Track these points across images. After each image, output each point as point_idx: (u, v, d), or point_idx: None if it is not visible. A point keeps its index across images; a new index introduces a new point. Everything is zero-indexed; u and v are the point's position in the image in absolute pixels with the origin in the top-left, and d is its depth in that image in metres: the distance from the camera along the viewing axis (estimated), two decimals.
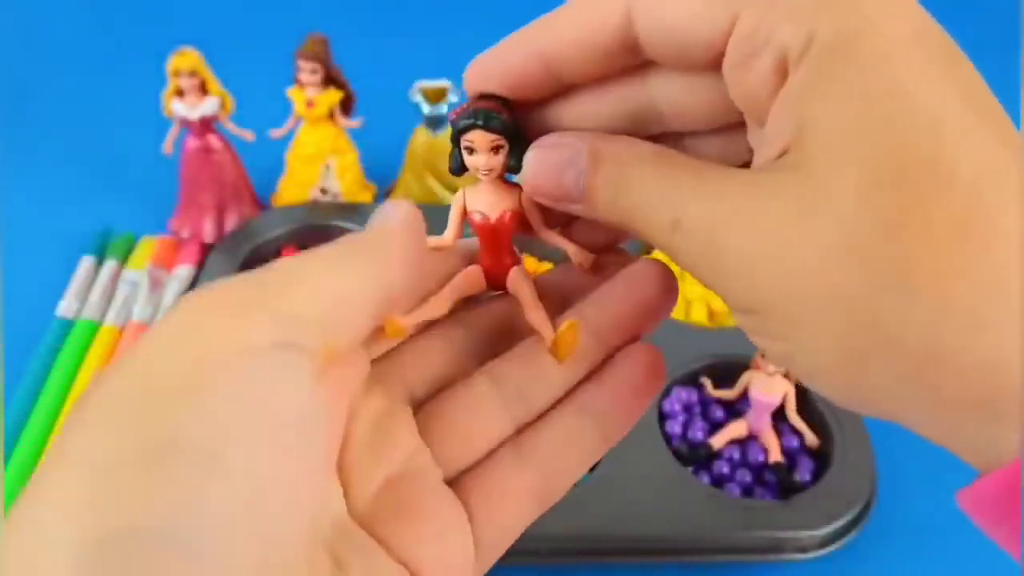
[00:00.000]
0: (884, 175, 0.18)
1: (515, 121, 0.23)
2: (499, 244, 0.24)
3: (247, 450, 0.17)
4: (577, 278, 0.25)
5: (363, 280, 0.20)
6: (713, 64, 0.21)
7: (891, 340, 0.18)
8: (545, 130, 0.23)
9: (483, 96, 0.23)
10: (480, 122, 0.22)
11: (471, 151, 0.23)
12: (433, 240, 0.24)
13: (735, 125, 0.22)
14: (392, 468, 0.22)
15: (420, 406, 0.24)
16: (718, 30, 0.20)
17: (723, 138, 0.23)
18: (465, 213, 0.24)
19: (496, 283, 0.24)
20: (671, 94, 0.22)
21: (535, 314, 0.23)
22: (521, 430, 0.24)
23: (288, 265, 0.20)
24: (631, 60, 0.22)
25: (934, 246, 0.17)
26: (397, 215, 0.22)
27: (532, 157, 0.22)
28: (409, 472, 0.22)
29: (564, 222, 0.25)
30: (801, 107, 0.19)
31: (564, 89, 0.23)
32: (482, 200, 0.24)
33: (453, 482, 0.23)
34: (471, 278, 0.24)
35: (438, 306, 0.24)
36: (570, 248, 0.24)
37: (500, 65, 0.22)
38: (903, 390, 0.18)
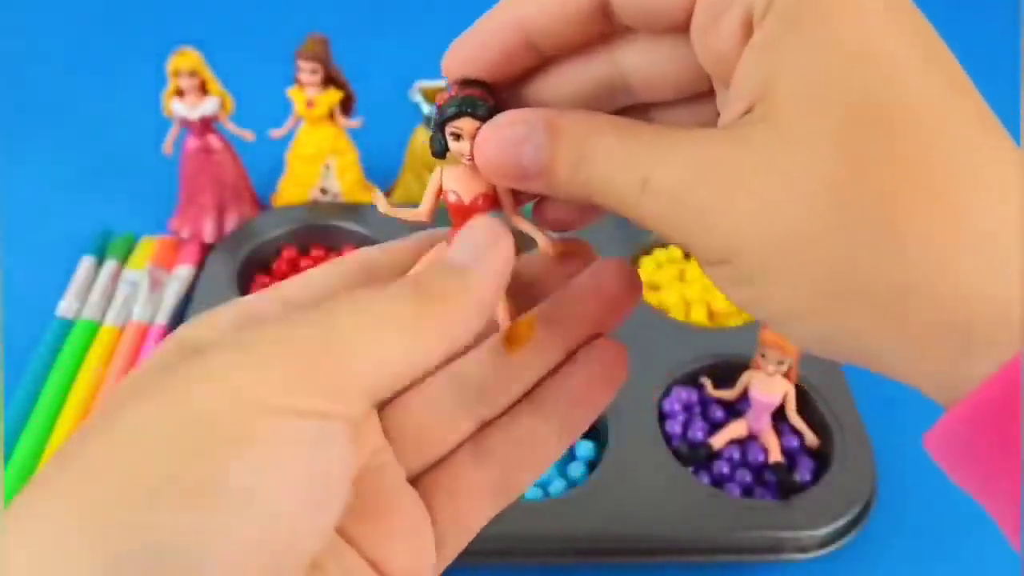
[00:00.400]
0: (852, 121, 0.18)
1: (498, 107, 0.23)
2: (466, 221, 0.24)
3: (275, 500, 0.17)
4: (539, 267, 0.25)
5: (432, 352, 0.19)
6: (682, 26, 0.21)
7: (866, 277, 0.18)
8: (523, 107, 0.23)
9: (466, 82, 0.23)
10: (468, 109, 0.22)
11: (457, 137, 0.23)
12: (405, 212, 0.24)
13: (701, 95, 0.22)
14: (359, 467, 0.22)
15: (384, 404, 0.24)
16: None
17: (690, 108, 0.23)
18: (440, 191, 0.24)
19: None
20: (640, 64, 0.23)
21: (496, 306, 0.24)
22: (482, 428, 0.24)
23: (351, 321, 0.19)
24: (605, 26, 0.22)
25: (904, 185, 0.18)
26: (492, 261, 0.21)
27: (486, 136, 0.22)
28: (372, 471, 0.22)
29: (536, 200, 0.25)
30: (766, 61, 0.19)
31: (540, 63, 0.23)
32: (458, 182, 0.24)
33: (415, 480, 0.23)
34: (439, 255, 0.24)
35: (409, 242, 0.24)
36: (538, 236, 0.24)
37: (480, 39, 0.22)
38: (876, 328, 0.19)
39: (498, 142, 0.22)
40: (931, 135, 0.18)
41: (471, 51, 0.22)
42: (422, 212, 0.24)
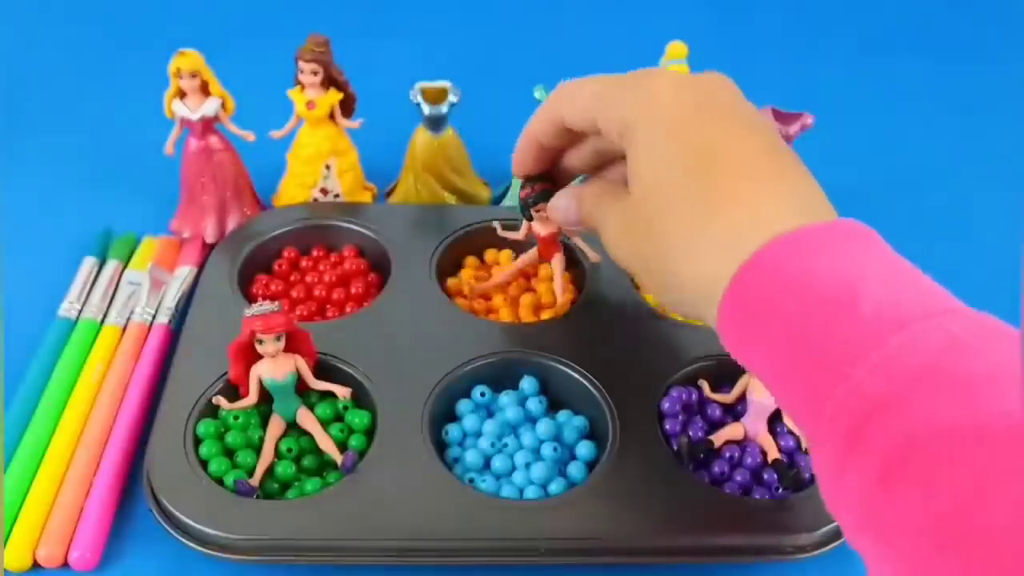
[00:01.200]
0: (659, 193, 0.37)
1: (554, 189, 0.47)
2: (548, 245, 0.54)
3: None
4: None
5: None
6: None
7: (654, 266, 0.38)
8: (560, 175, 0.48)
9: (531, 179, 0.48)
10: (543, 200, 0.48)
11: (538, 210, 0.48)
12: (512, 234, 0.57)
13: None
14: None
15: None
16: (594, 122, 0.41)
17: None
18: (531, 230, 0.54)
19: (545, 260, 0.56)
20: (606, 144, 0.43)
21: (557, 281, 0.55)
22: None
23: None
24: (576, 135, 0.44)
25: (675, 229, 0.36)
26: None
27: (553, 205, 0.47)
28: None
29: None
30: (630, 157, 0.39)
31: (558, 153, 0.47)
32: (539, 226, 0.53)
33: None
34: (532, 257, 0.56)
35: (508, 274, 0.57)
36: (588, 251, 0.56)
37: (521, 152, 0.47)
38: (667, 295, 0.40)
39: (557, 210, 0.47)
40: (709, 204, 0.35)
41: (520, 159, 0.47)
42: (520, 235, 0.56)
